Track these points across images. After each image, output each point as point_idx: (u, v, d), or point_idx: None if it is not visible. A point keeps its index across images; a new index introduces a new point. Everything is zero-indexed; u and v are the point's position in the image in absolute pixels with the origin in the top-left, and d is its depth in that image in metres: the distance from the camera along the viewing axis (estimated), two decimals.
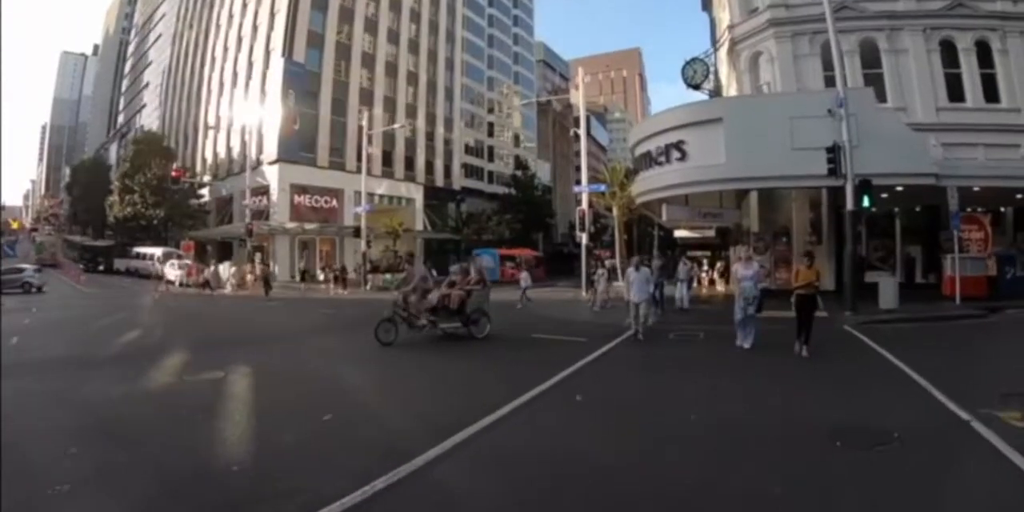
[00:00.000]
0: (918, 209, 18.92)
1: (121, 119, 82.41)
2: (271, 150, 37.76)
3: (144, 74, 72.82)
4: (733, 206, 19.57)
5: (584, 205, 20.36)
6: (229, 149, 43.51)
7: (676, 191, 16.05)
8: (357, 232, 30.24)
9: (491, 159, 60.42)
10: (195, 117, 49.09)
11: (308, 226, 36.28)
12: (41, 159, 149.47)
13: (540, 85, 75.82)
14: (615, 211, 29.61)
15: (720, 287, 21.88)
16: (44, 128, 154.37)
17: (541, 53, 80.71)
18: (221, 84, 45.72)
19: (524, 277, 18.52)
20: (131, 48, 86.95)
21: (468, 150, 56.47)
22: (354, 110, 40.35)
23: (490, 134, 60.93)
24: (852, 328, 11.04)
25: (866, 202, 12.15)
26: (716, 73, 22.38)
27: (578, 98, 24.72)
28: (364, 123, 32.96)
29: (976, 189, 15.42)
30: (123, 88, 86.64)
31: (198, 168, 47.12)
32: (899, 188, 14.77)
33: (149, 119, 62.62)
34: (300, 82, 38.42)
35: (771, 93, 17.21)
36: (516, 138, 65.60)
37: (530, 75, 69.07)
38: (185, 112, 52.04)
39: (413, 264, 16.08)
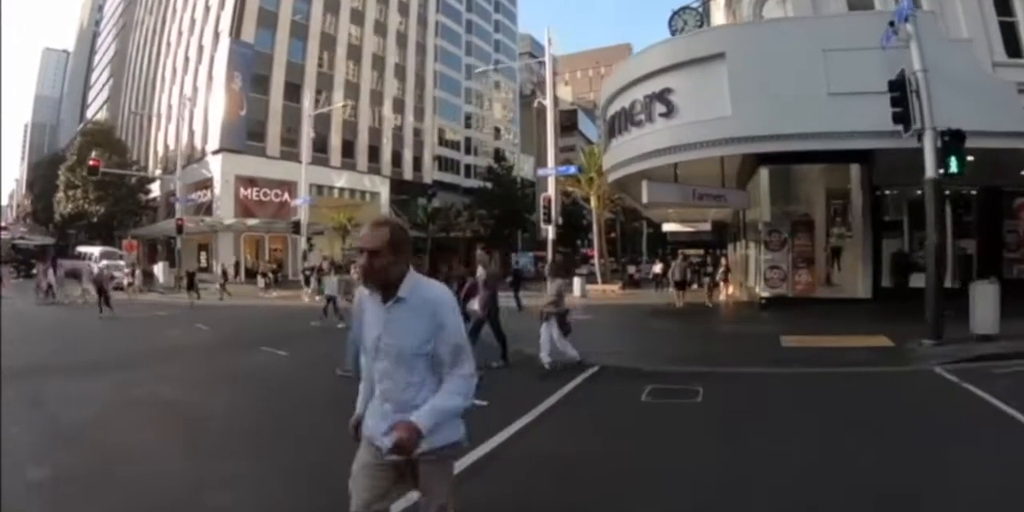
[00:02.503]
0: (973, 192, 14.83)
1: (89, 113, 78.83)
2: (215, 138, 33.84)
3: (110, 66, 69.17)
4: (736, 186, 15.08)
5: (550, 190, 16.18)
6: (178, 140, 39.60)
7: (661, 159, 11.61)
8: (296, 228, 26.14)
9: (469, 152, 55.99)
10: (148, 107, 45.15)
11: (250, 221, 32.10)
12: (23, 157, 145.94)
13: (525, 78, 71.67)
14: (593, 202, 25.26)
15: (723, 294, 17.40)
16: (26, 126, 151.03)
17: (528, 45, 76.61)
18: (173, 71, 41.95)
19: (334, 283, 12.89)
20: (100, 39, 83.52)
21: (443, 142, 52.21)
22: (310, 96, 36.28)
23: (468, 125, 56.56)
24: (949, 373, 6.21)
25: (954, 166, 7.97)
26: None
27: (549, 69, 20.60)
28: (308, 102, 28.85)
29: None
30: (92, 81, 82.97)
31: (150, 161, 43.32)
32: (969, 157, 10.61)
33: (111, 111, 58.85)
34: (248, 64, 34.52)
35: (794, 17, 12.72)
36: (497, 130, 61.33)
37: (512, 64, 64.73)
38: (140, 102, 48.25)
39: None
